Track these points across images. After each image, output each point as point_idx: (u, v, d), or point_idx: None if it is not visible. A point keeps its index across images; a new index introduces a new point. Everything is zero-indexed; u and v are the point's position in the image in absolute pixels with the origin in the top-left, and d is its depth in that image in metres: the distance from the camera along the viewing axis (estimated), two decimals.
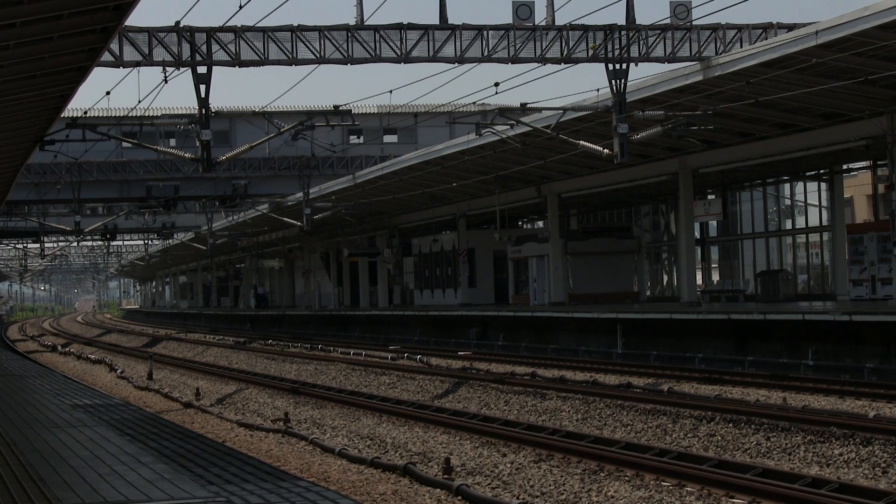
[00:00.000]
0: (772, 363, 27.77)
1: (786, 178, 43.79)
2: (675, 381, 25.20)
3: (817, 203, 43.36)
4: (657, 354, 31.89)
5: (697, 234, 44.69)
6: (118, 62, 27.32)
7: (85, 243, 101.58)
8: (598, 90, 29.41)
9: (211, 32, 27.63)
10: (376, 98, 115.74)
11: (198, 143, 27.56)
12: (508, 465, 16.17)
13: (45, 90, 19.36)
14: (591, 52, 28.59)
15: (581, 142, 30.08)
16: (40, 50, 15.69)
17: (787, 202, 46.66)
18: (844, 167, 41.20)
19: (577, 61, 29.04)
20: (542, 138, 33.71)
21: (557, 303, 43.64)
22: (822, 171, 40.81)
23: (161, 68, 27.31)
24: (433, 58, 28.84)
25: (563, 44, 29.00)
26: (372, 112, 58.16)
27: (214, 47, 27.64)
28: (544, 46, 29.08)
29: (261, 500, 9.38)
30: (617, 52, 27.95)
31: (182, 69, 27.42)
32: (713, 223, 47.42)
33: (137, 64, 27.45)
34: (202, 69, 27.08)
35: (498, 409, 23.82)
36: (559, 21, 29.17)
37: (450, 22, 28.93)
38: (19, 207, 57.89)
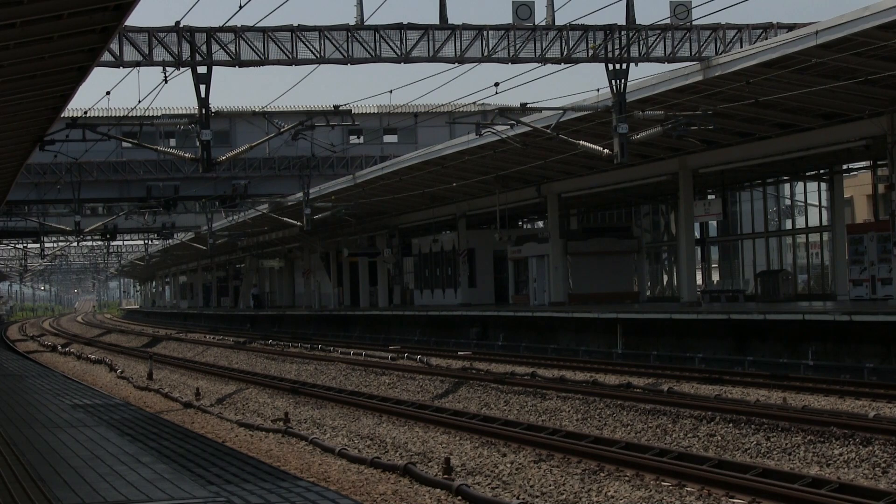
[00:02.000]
0: (772, 363, 27.76)
1: (786, 178, 43.80)
2: (675, 381, 25.20)
3: (817, 203, 43.38)
4: (657, 354, 31.88)
5: (697, 234, 44.70)
6: (118, 62, 27.31)
7: (85, 243, 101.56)
8: (598, 90, 29.44)
9: (211, 32, 27.62)
10: (376, 98, 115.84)
11: (198, 143, 27.56)
12: (508, 465, 16.17)
13: (45, 90, 19.36)
14: (591, 52, 28.58)
15: (581, 142, 30.08)
16: (40, 50, 15.69)
17: (787, 202, 46.68)
18: (844, 167, 41.20)
19: (577, 61, 29.03)
20: (542, 138, 33.71)
21: (557, 303, 43.64)
22: (822, 171, 40.82)
23: (161, 68, 27.31)
24: (433, 58, 28.83)
25: (563, 44, 29.00)
26: (372, 112, 58.14)
27: (214, 47, 27.64)
28: (544, 46, 29.07)
29: (261, 500, 9.38)
30: (617, 52, 27.94)
31: (182, 69, 27.41)
32: (713, 223, 47.43)
33: (137, 64, 27.44)
34: (202, 69, 27.06)
35: (498, 409, 23.82)
36: (559, 21, 29.17)
37: (450, 22, 28.92)
38: (19, 207, 57.87)
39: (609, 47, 28.15)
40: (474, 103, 39.84)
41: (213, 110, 27.68)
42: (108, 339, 70.98)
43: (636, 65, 29.26)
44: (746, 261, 47.07)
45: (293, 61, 28.34)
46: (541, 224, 59.58)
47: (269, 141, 36.23)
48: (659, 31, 29.80)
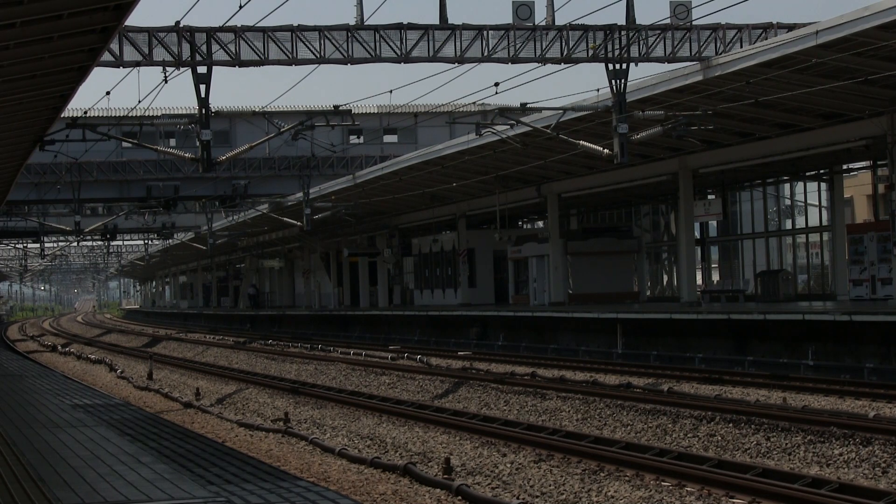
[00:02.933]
0: (772, 363, 27.77)
1: (786, 178, 43.79)
2: (675, 381, 25.20)
3: (817, 203, 43.37)
4: (657, 354, 31.89)
5: (697, 234, 44.69)
6: (118, 62, 27.32)
7: (85, 243, 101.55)
8: (598, 90, 29.43)
9: (211, 32, 27.62)
10: (376, 98, 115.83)
11: (198, 143, 27.56)
12: (508, 465, 16.17)
13: (45, 90, 19.36)
14: (591, 52, 28.58)
15: (581, 142, 30.08)
16: (40, 50, 15.69)
17: (787, 202, 46.67)
18: (844, 167, 41.20)
19: (577, 61, 29.04)
20: (542, 138, 33.70)
21: (557, 303, 43.63)
22: (822, 171, 40.81)
23: (161, 68, 27.32)
24: (433, 58, 28.83)
25: (563, 44, 29.00)
26: (372, 112, 58.12)
27: (214, 47, 27.64)
28: (544, 46, 29.07)
29: (261, 500, 9.38)
30: (617, 52, 27.94)
31: (182, 69, 27.42)
32: (713, 223, 47.42)
33: (137, 64, 27.45)
34: (202, 69, 27.06)
35: (498, 409, 23.82)
36: (559, 21, 29.18)
37: (450, 22, 28.92)
38: (19, 207, 57.86)
39: (609, 47, 28.15)
40: (474, 103, 39.84)
41: (213, 110, 27.69)
42: (108, 339, 70.98)
43: (636, 65, 29.28)
44: (746, 261, 47.06)
45: (293, 61, 28.35)
46: (541, 224, 59.56)
47: (269, 141, 36.23)
48: (659, 31, 29.80)
